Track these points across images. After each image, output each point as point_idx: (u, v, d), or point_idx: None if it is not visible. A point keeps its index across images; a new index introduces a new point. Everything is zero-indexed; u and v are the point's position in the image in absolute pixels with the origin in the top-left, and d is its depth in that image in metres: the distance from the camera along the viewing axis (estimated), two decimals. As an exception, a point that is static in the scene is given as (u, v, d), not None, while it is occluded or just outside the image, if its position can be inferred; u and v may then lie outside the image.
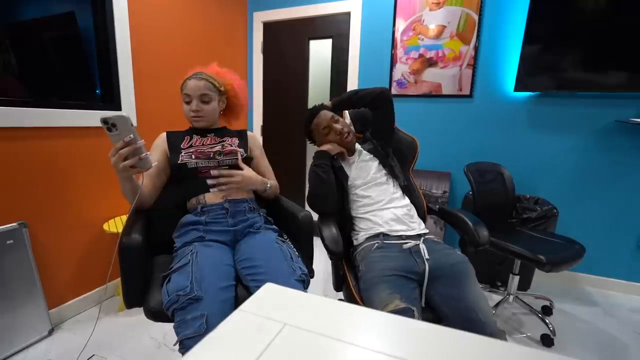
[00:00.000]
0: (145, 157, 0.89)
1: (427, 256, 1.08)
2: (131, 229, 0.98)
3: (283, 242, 1.11)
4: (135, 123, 1.80)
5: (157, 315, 0.92)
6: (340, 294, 1.26)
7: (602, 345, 1.49)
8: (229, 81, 1.27)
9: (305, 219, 1.19)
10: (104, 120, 0.82)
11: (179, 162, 1.12)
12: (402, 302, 0.91)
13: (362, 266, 1.10)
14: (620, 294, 1.94)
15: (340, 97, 1.41)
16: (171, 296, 0.84)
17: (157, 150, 1.16)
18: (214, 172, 1.12)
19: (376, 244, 1.14)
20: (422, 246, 1.12)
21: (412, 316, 0.89)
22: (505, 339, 0.94)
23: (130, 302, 0.97)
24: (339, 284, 1.21)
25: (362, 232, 1.23)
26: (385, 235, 1.18)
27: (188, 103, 1.17)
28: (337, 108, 1.40)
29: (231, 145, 1.22)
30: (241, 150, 1.22)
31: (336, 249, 1.09)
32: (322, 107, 1.40)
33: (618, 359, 1.42)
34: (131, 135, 0.84)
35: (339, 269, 1.17)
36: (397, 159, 1.41)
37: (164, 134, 1.20)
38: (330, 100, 1.42)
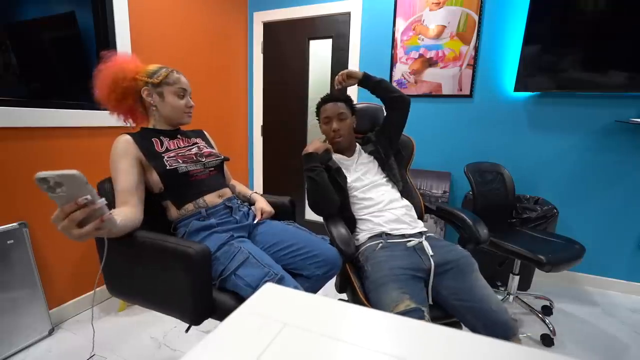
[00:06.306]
0: (110, 217, 0.71)
1: (431, 252, 1.08)
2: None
3: (291, 223, 1.19)
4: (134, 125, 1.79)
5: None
6: (341, 294, 1.26)
7: (602, 345, 1.49)
8: None
9: (291, 202, 1.36)
10: (43, 180, 0.59)
11: (168, 168, 1.03)
12: (412, 302, 0.91)
13: (367, 266, 1.09)
14: (620, 294, 1.94)
15: (372, 75, 1.35)
16: (259, 285, 0.88)
17: (127, 157, 0.99)
18: (254, 223, 1.17)
19: (380, 244, 1.14)
20: (426, 243, 1.12)
21: (422, 317, 0.89)
22: (517, 327, 0.94)
23: (203, 316, 0.92)
24: (343, 285, 1.21)
25: (363, 233, 1.23)
26: (387, 235, 1.17)
27: (182, 97, 1.12)
28: (364, 82, 1.35)
29: (206, 147, 1.21)
30: (214, 150, 1.24)
31: (348, 250, 1.09)
32: (341, 97, 1.35)
33: (618, 359, 1.42)
34: (88, 197, 0.65)
35: (343, 269, 1.16)
36: (396, 159, 1.41)
37: (128, 137, 1.02)
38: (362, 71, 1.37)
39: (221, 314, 0.93)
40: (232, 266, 0.95)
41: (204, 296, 0.92)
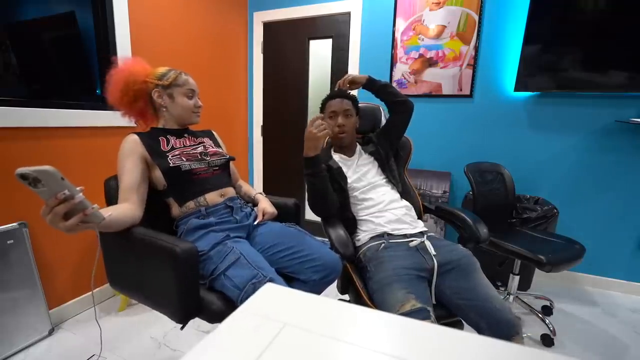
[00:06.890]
0: (92, 211, 0.73)
1: (433, 252, 1.08)
2: (175, 239, 0.92)
3: (293, 225, 1.18)
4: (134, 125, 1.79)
5: (222, 315, 0.92)
6: (342, 295, 1.25)
7: (602, 345, 1.49)
8: None
9: (295, 205, 1.34)
10: (22, 176, 0.63)
11: (171, 165, 1.05)
12: (418, 302, 0.91)
13: (370, 267, 1.09)
14: (620, 294, 1.94)
15: (377, 79, 1.37)
16: (246, 287, 0.88)
17: (133, 156, 1.03)
18: (255, 224, 1.17)
19: (383, 244, 1.13)
20: (428, 242, 1.12)
21: (427, 317, 0.89)
22: (520, 326, 0.93)
23: (189, 315, 0.92)
24: (345, 286, 1.20)
25: (365, 233, 1.22)
26: (389, 235, 1.17)
27: (191, 98, 1.15)
28: (368, 85, 1.37)
29: (212, 146, 1.23)
30: (220, 150, 1.25)
31: (346, 251, 1.08)
32: (348, 95, 1.35)
33: (618, 359, 1.42)
34: (66, 192, 0.67)
35: (345, 271, 1.15)
36: (395, 160, 1.41)
37: (135, 136, 1.06)
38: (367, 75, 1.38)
39: (208, 314, 0.93)
40: (222, 266, 0.95)
41: (190, 295, 0.91)
